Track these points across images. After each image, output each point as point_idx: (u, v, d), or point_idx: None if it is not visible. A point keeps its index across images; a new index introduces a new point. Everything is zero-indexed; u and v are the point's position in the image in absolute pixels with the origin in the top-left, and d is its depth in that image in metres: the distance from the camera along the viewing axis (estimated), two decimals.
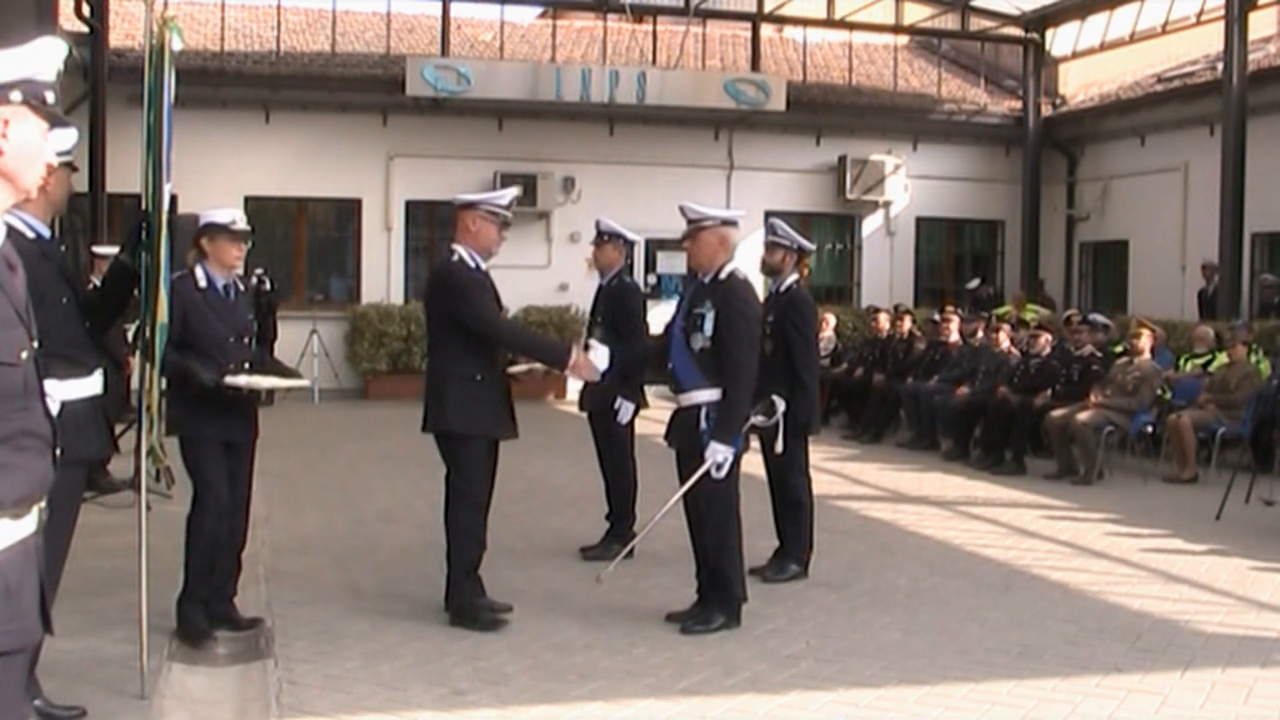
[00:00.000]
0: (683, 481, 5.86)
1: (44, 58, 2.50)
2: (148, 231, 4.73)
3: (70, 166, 4.49)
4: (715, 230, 5.91)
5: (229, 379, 5.43)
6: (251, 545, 7.48)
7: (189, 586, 5.55)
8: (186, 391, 5.38)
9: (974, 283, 19.00)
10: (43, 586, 2.58)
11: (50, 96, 2.51)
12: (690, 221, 5.95)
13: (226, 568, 5.70)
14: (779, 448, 6.62)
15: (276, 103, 17.49)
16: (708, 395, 5.76)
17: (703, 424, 5.74)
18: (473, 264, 5.89)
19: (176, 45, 4.95)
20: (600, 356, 5.94)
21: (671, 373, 5.95)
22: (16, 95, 2.47)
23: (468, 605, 5.78)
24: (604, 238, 7.57)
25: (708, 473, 5.67)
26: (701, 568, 5.92)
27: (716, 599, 5.82)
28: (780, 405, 6.53)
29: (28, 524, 2.50)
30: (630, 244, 7.68)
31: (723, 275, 5.87)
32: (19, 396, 2.48)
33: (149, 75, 4.88)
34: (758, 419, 6.19)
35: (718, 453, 5.63)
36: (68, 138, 4.39)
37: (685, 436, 5.85)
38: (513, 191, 6.22)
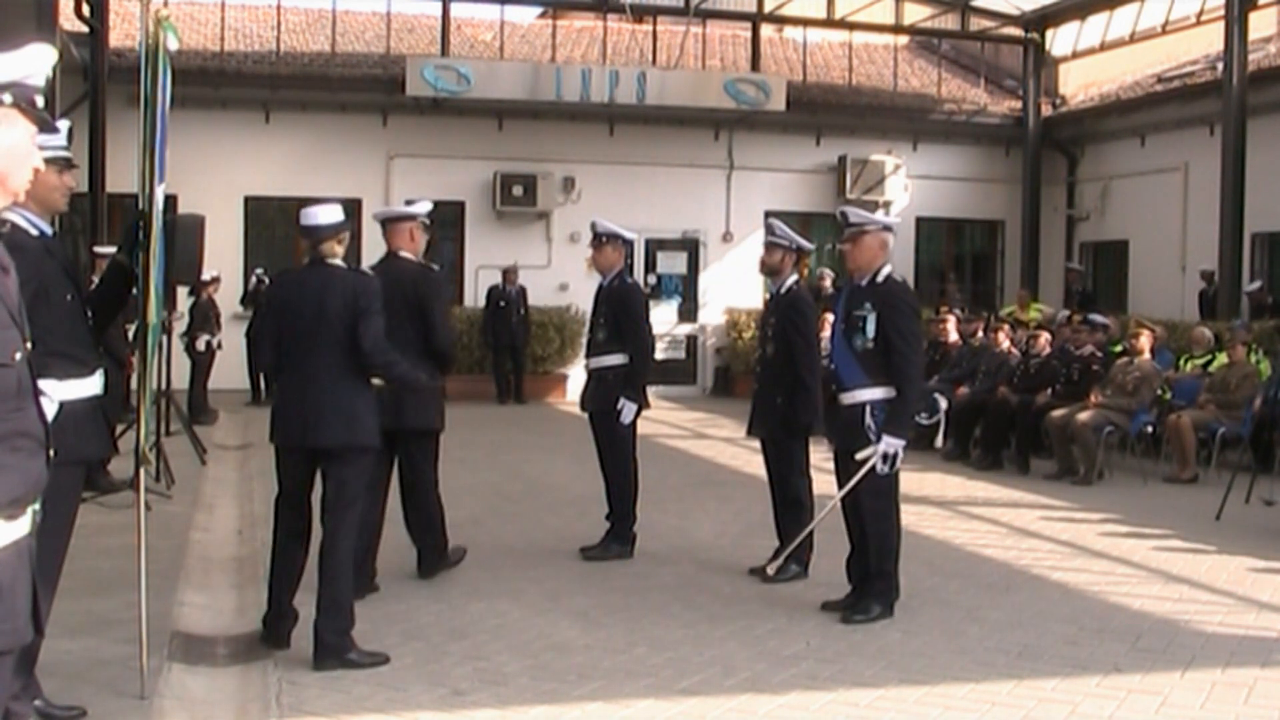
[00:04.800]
0: (840, 478, 6.12)
1: (35, 62, 2.52)
2: (145, 232, 4.72)
3: (68, 163, 4.47)
4: (876, 235, 6.13)
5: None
6: (251, 545, 7.51)
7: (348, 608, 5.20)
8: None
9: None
10: (35, 588, 2.58)
11: (40, 100, 2.53)
12: (851, 225, 6.15)
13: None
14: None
15: (276, 103, 17.49)
16: (871, 394, 5.98)
17: (868, 420, 5.94)
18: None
19: (172, 45, 4.95)
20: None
21: (833, 373, 6.18)
22: (7, 98, 2.49)
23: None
24: (601, 239, 7.52)
25: (874, 467, 5.89)
26: (859, 558, 6.14)
27: (875, 590, 6.03)
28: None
29: (21, 525, 2.50)
30: (629, 243, 7.66)
31: (880, 278, 6.09)
32: (12, 397, 2.49)
33: (145, 76, 4.88)
34: (920, 417, 6.34)
35: (892, 446, 5.86)
36: (58, 134, 4.37)
37: (848, 434, 6.05)
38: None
